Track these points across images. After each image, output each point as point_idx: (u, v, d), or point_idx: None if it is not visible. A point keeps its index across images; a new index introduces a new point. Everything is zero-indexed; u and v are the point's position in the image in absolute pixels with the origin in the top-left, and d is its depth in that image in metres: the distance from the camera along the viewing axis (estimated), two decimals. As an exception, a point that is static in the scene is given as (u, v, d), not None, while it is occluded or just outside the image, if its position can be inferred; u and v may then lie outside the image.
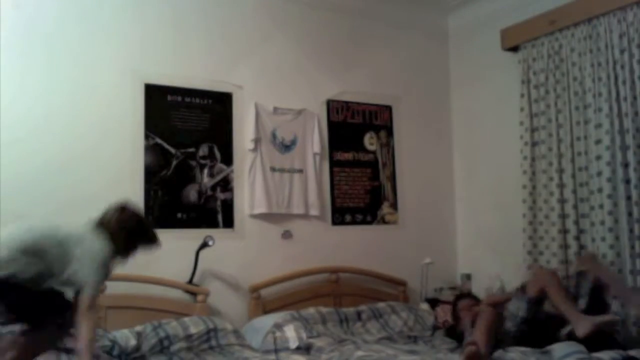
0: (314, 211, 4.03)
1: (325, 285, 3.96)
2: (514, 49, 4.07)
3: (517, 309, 3.10)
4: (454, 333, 3.49)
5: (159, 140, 3.60)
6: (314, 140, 4.10)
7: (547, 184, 3.80)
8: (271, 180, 3.90)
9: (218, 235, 3.59)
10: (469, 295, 3.87)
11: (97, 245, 2.37)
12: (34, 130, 3.23)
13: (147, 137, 3.56)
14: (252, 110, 3.90)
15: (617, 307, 3.14)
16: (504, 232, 4.14)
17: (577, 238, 3.62)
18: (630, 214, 3.33)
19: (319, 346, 3.17)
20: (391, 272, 4.15)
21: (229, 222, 3.75)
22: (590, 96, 3.57)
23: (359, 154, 4.33)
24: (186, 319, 3.25)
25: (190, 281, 3.50)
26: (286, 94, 4.06)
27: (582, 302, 3.03)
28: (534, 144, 3.89)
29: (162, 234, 3.48)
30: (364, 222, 4.27)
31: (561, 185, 3.72)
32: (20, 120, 3.20)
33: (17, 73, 3.24)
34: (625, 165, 3.37)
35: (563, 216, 3.70)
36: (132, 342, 3.02)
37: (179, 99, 3.70)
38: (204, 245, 3.51)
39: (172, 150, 3.64)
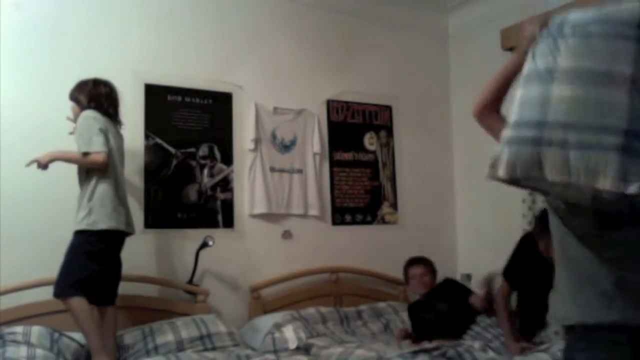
0: (313, 211, 4.03)
1: (325, 285, 3.96)
2: (514, 49, 4.06)
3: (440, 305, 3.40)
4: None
5: (159, 140, 3.60)
6: (314, 140, 4.10)
7: (547, 184, 3.80)
8: (271, 180, 3.90)
9: (218, 235, 3.58)
10: (423, 261, 3.77)
11: None
12: (34, 131, 3.22)
13: (147, 137, 3.56)
14: (252, 110, 3.90)
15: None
16: (503, 232, 4.13)
17: (577, 238, 3.62)
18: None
19: (318, 346, 3.17)
20: (391, 272, 4.14)
21: (229, 222, 3.75)
22: (590, 96, 3.57)
23: (359, 154, 4.33)
24: (179, 322, 3.16)
25: (190, 281, 3.50)
26: (286, 94, 4.05)
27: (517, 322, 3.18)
28: (534, 144, 3.89)
29: (162, 234, 3.54)
30: (364, 222, 4.27)
31: (561, 185, 3.72)
32: (19, 120, 3.20)
33: (16, 73, 3.23)
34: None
35: (563, 216, 3.70)
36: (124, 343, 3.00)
37: (179, 99, 3.70)
38: (204, 245, 3.51)
39: (172, 150, 3.64)
